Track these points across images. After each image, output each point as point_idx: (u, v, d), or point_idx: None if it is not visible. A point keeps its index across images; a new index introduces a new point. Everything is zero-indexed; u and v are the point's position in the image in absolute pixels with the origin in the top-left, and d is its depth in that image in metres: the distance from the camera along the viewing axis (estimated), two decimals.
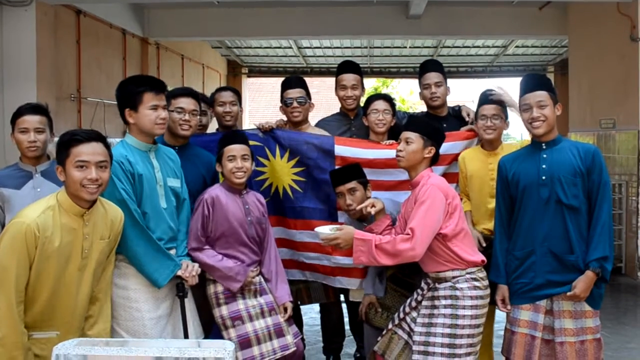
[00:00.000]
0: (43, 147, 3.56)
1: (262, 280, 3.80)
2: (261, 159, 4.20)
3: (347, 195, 3.78)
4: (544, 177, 3.37)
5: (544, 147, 3.43)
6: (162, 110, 3.36)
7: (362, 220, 3.84)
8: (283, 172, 4.26)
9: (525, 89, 3.45)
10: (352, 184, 3.78)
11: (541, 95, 3.38)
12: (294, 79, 4.54)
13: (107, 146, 2.98)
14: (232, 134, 3.84)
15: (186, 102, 3.88)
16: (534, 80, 3.47)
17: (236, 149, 3.67)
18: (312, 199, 4.26)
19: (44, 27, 7.16)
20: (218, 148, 3.74)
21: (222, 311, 3.63)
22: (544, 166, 3.39)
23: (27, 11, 6.97)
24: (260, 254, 3.82)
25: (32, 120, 3.53)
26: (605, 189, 3.33)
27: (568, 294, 3.30)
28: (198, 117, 3.96)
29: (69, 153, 2.86)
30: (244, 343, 3.58)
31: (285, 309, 3.77)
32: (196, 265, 3.45)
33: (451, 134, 4.16)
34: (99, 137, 2.95)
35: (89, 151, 2.87)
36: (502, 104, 3.96)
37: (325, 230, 3.40)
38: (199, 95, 4.08)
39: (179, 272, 3.33)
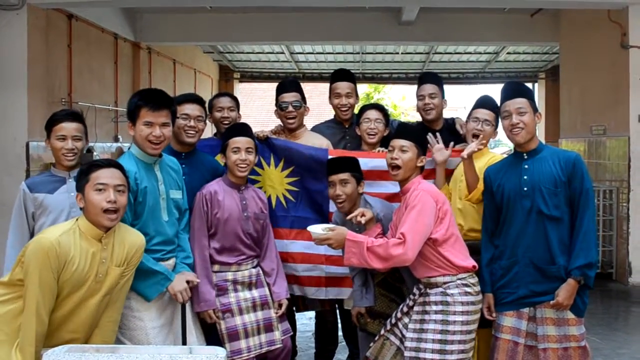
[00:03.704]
0: (80, 155, 3.55)
1: (261, 273, 3.83)
2: (255, 168, 4.19)
3: (338, 186, 3.74)
4: (525, 188, 3.39)
5: (526, 157, 3.46)
6: (159, 128, 3.30)
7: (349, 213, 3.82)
8: (277, 181, 4.24)
9: (505, 97, 3.48)
10: (345, 175, 3.74)
11: (520, 102, 3.42)
12: (288, 82, 4.51)
13: (125, 174, 3.03)
14: (238, 126, 3.87)
15: (191, 109, 3.87)
16: (513, 88, 3.51)
17: (241, 141, 3.70)
18: (305, 208, 4.24)
19: (35, 31, 7.12)
20: (223, 140, 3.78)
21: (215, 303, 3.64)
22: (525, 177, 3.41)
23: (18, 15, 6.93)
24: (257, 249, 3.83)
25: (69, 127, 3.50)
26: (588, 196, 3.33)
27: (551, 302, 3.31)
28: (204, 122, 3.96)
29: (89, 178, 2.93)
30: (232, 335, 3.62)
31: (280, 305, 3.80)
32: (184, 280, 3.40)
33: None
34: (118, 165, 3.01)
35: (107, 175, 2.94)
36: (496, 111, 3.96)
37: (317, 229, 3.39)
38: (203, 101, 4.07)
39: (169, 290, 3.33)
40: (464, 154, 3.74)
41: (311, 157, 4.19)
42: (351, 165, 3.81)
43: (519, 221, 3.42)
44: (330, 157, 4.11)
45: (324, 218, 4.19)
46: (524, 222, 3.40)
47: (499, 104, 3.62)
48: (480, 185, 3.70)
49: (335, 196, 3.77)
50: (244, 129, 3.81)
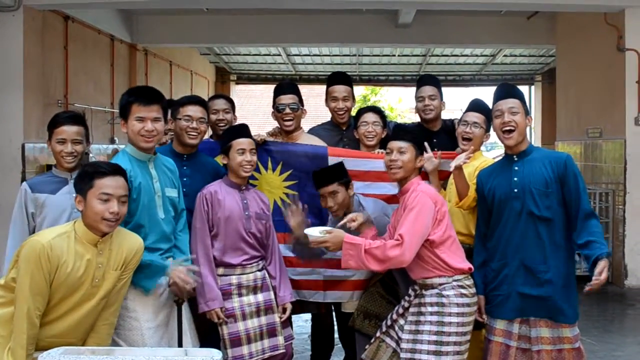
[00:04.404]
0: (80, 158, 3.53)
1: (267, 276, 3.81)
2: (252, 172, 4.17)
3: (329, 198, 3.78)
4: (516, 190, 3.40)
5: (516, 159, 3.47)
6: (150, 123, 3.32)
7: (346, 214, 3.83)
8: (274, 185, 4.22)
9: (498, 97, 3.51)
10: (333, 187, 3.76)
11: (513, 102, 3.44)
12: (286, 84, 4.49)
13: (127, 180, 3.02)
14: (240, 127, 3.88)
15: (193, 110, 3.89)
16: (506, 89, 3.55)
17: (245, 142, 3.72)
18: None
19: (31, 32, 7.11)
20: (224, 141, 3.78)
21: None
22: (515, 179, 3.42)
23: (14, 16, 6.92)
24: (261, 250, 3.81)
25: (69, 131, 3.48)
26: (585, 194, 3.33)
27: (594, 282, 3.14)
28: (206, 124, 3.98)
29: (93, 185, 2.90)
30: (234, 341, 3.61)
31: (285, 310, 3.79)
32: (181, 267, 3.35)
33: (443, 153, 4.13)
34: (121, 171, 3.00)
35: (113, 184, 2.92)
36: (486, 114, 3.96)
37: (314, 232, 3.38)
38: (206, 103, 4.08)
39: (172, 276, 3.27)
40: (452, 165, 3.72)
41: (310, 158, 4.18)
42: (336, 174, 3.81)
43: (509, 223, 3.42)
44: (330, 157, 4.11)
45: (323, 221, 4.17)
46: (515, 224, 3.40)
47: (490, 107, 3.63)
48: (472, 193, 3.70)
49: (327, 207, 3.82)
50: (246, 130, 3.82)
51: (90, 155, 8.35)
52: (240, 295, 3.68)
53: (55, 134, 3.48)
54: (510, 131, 3.43)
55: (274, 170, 4.22)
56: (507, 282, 3.41)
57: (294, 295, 4.12)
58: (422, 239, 3.26)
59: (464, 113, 4.05)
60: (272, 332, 3.71)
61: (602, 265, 3.19)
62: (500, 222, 3.46)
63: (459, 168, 3.70)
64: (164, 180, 3.46)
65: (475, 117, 3.95)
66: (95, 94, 9.26)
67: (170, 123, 3.93)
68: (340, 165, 3.89)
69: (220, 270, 3.69)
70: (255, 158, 3.75)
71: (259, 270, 3.78)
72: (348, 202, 3.80)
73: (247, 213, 3.74)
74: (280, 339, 3.71)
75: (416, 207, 3.27)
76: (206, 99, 4.45)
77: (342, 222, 3.53)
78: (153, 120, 3.32)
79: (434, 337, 3.25)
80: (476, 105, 4.03)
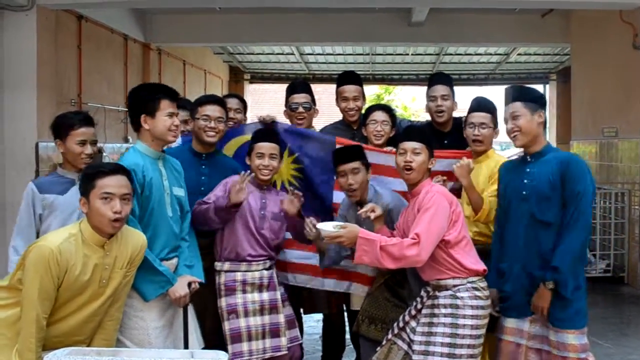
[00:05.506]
0: (94, 158, 3.60)
1: (274, 275, 3.82)
2: None
3: (350, 175, 3.73)
4: (524, 192, 3.37)
5: (529, 160, 3.43)
6: (177, 118, 3.40)
7: (361, 203, 3.76)
8: (282, 167, 4.20)
9: (505, 103, 3.48)
10: (356, 164, 3.74)
11: (514, 107, 3.40)
12: (299, 83, 4.53)
13: (131, 179, 3.03)
14: (264, 131, 3.94)
15: (212, 110, 3.94)
16: (508, 93, 3.50)
17: (265, 147, 3.76)
18: (307, 197, 4.18)
19: (45, 31, 7.13)
20: (251, 142, 3.84)
21: (222, 302, 3.70)
22: (526, 181, 3.38)
23: (27, 16, 6.94)
24: (270, 251, 3.82)
25: (89, 132, 3.56)
26: (581, 200, 3.21)
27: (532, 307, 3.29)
28: (224, 123, 4.01)
29: (95, 185, 2.91)
30: (234, 337, 3.62)
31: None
32: (185, 284, 3.37)
33: (454, 152, 4.11)
34: (124, 170, 3.00)
35: (114, 183, 2.93)
36: (492, 112, 3.92)
37: (328, 227, 3.34)
38: (224, 102, 4.11)
39: (170, 294, 3.31)
40: (463, 183, 3.73)
41: (318, 143, 4.20)
42: (359, 154, 3.82)
43: (515, 224, 3.40)
44: (337, 146, 4.10)
45: (328, 208, 4.18)
46: (520, 226, 3.38)
47: (495, 103, 3.61)
48: (486, 206, 3.69)
49: (347, 185, 3.75)
50: (270, 135, 3.86)
51: (104, 154, 8.38)
52: (244, 292, 3.71)
53: (73, 135, 3.51)
54: (515, 136, 3.40)
55: (283, 150, 4.21)
56: (512, 282, 3.40)
57: (292, 279, 4.12)
58: (438, 239, 3.23)
59: (468, 114, 3.99)
60: (275, 333, 3.70)
61: (538, 291, 3.27)
62: (508, 223, 3.45)
63: (469, 184, 3.70)
64: (172, 179, 3.49)
65: (482, 117, 3.91)
66: (108, 93, 9.29)
67: (190, 122, 3.96)
68: (360, 147, 3.90)
69: (226, 266, 3.73)
70: (274, 163, 3.78)
71: (266, 269, 3.78)
72: (366, 186, 3.78)
73: (262, 212, 3.77)
74: (283, 340, 3.71)
75: (432, 207, 3.24)
76: None
77: (362, 210, 3.51)
78: (177, 115, 3.42)
79: (447, 340, 3.22)
80: (479, 105, 3.98)
